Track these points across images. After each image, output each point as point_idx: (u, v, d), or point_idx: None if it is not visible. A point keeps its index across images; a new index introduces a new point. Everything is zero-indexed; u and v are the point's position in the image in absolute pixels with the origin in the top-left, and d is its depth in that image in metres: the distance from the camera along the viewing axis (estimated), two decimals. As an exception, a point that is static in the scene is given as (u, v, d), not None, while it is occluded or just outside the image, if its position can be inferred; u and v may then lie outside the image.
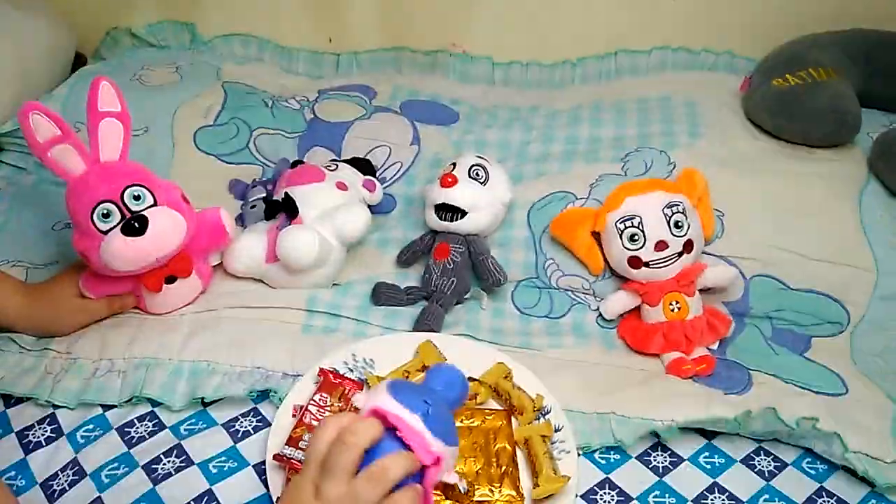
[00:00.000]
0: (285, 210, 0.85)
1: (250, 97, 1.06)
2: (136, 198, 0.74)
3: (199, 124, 1.01)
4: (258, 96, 1.07)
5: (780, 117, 0.94)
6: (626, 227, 0.81)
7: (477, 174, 0.87)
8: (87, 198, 0.73)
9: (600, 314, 0.85)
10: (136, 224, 0.72)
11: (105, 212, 0.72)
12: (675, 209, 0.81)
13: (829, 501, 0.66)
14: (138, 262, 0.74)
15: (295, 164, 0.95)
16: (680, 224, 0.81)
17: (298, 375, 0.73)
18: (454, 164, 0.88)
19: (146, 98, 1.02)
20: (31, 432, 0.68)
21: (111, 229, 0.72)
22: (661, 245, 0.80)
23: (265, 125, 1.02)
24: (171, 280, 0.79)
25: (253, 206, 0.91)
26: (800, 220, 0.87)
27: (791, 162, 0.92)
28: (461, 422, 0.70)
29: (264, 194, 0.92)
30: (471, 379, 0.73)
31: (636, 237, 0.81)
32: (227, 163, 0.99)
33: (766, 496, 0.66)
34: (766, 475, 0.68)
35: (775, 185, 0.90)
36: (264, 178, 0.97)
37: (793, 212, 0.88)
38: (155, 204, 0.75)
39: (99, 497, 0.63)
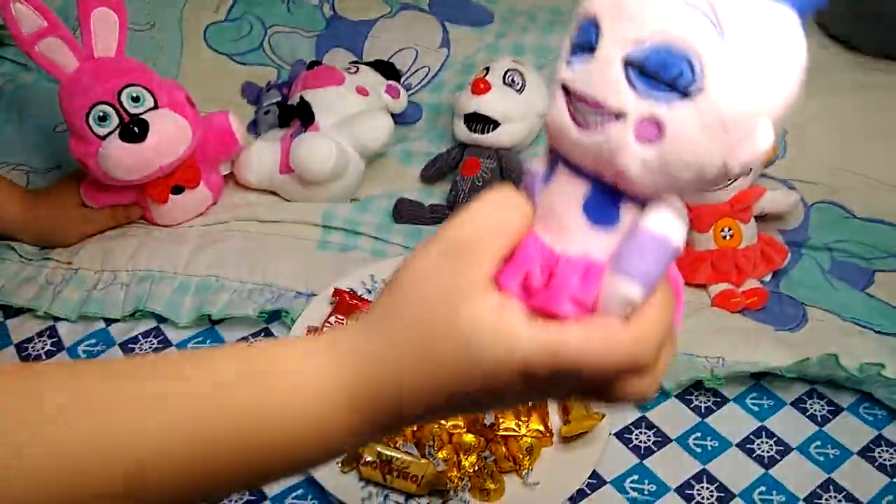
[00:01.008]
0: (300, 116, 0.78)
1: (265, -9, 0.97)
2: (135, 99, 0.67)
3: (210, 20, 0.93)
4: (275, -10, 0.98)
5: (857, 24, 0.83)
6: (677, 144, 0.73)
7: (512, 80, 0.78)
8: (81, 99, 0.66)
9: (642, 239, 0.78)
10: (136, 129, 0.66)
11: (101, 114, 0.66)
12: (734, 124, 0.72)
13: (887, 451, 0.60)
14: (139, 171, 0.68)
15: (312, 65, 0.87)
16: (739, 141, 0.72)
17: (312, 295, 0.68)
18: (487, 69, 0.80)
19: (152, -11, 0.94)
20: (31, 345, 0.65)
21: (109, 134, 0.66)
22: (716, 165, 0.72)
23: (281, 22, 0.94)
24: (178, 190, 0.73)
25: (266, 112, 0.84)
26: (871, 140, 0.78)
27: (867, 75, 0.82)
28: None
29: (279, 99, 0.85)
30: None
31: (688, 155, 0.72)
32: (239, 63, 0.92)
33: (818, 442, 0.60)
34: (819, 420, 0.62)
35: (846, 100, 0.80)
36: (279, 82, 0.90)
37: (863, 131, 0.79)
38: (156, 107, 0.68)
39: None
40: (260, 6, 0.95)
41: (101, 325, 0.66)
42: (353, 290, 0.68)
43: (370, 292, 0.69)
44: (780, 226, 0.77)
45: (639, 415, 0.62)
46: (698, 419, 0.62)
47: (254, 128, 0.85)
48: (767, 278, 0.75)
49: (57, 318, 0.67)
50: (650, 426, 0.61)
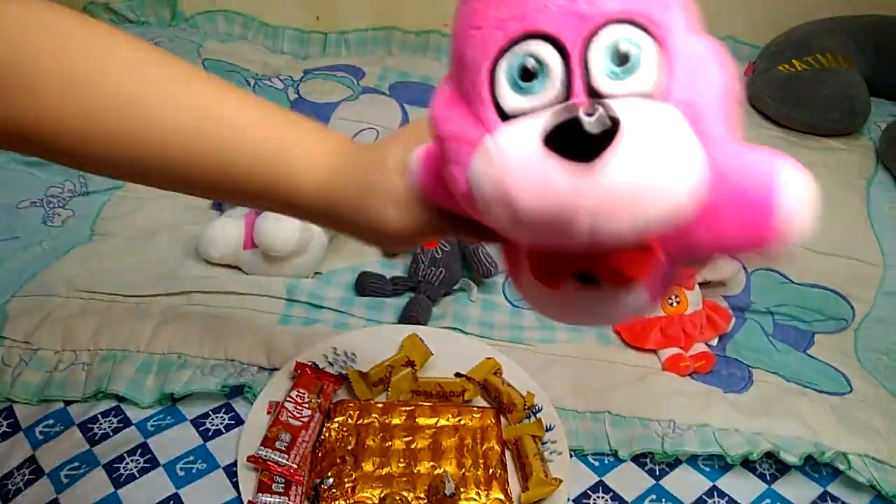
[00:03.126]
0: (264, 194, 0.80)
1: (232, 76, 1.01)
2: (622, 59, 0.27)
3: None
4: (240, 75, 1.02)
5: (785, 104, 0.90)
6: (623, 217, 0.77)
7: (467, 159, 0.82)
8: (488, 36, 0.29)
9: (595, 307, 0.81)
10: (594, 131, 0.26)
11: (526, 67, 0.28)
12: (675, 198, 0.77)
13: (832, 507, 0.62)
14: (560, 230, 0.28)
15: (276, 145, 0.91)
16: (680, 214, 0.77)
17: (275, 370, 0.69)
18: (444, 148, 0.84)
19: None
20: (-13, 427, 0.64)
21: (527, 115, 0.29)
22: (660, 236, 0.76)
23: (246, 105, 0.98)
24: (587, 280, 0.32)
25: (231, 190, 0.86)
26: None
27: (796, 150, 0.89)
28: (447, 420, 0.66)
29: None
30: (458, 375, 0.70)
31: (634, 227, 0.77)
32: (205, 144, 0.94)
33: (768, 500, 0.63)
34: (768, 478, 0.64)
35: (779, 174, 0.86)
36: (244, 161, 0.92)
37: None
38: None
39: (56, 498, 0.58)
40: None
41: (61, 404, 0.66)
42: (314, 363, 0.69)
43: (332, 365, 0.70)
44: (724, 292, 0.81)
45: (596, 479, 0.63)
46: (653, 481, 0.63)
47: (217, 206, 0.87)
48: (714, 342, 0.78)
49: (14, 400, 0.66)
50: (607, 489, 0.62)
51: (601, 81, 0.27)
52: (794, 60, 0.91)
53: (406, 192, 0.39)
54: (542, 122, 0.26)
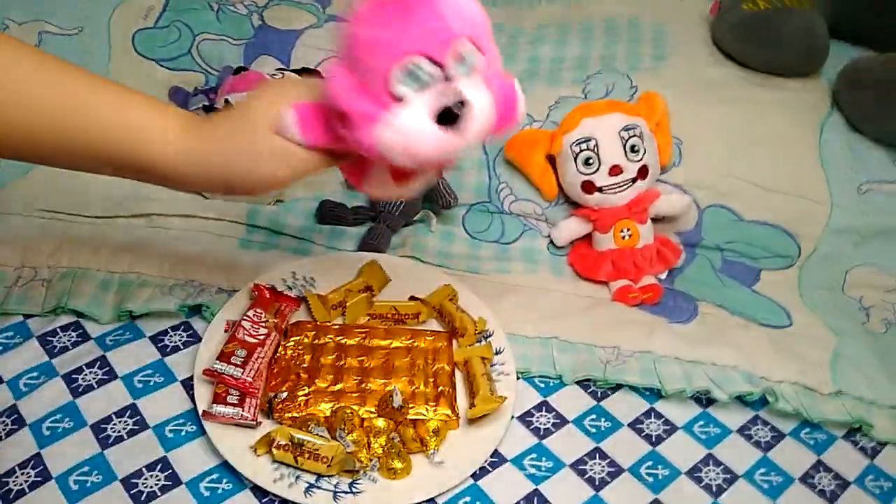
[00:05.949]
0: (225, 119, 0.80)
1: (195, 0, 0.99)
2: (462, 61, 0.46)
3: (139, 26, 0.94)
4: (204, -1, 1.00)
5: (746, 43, 0.91)
6: (581, 150, 0.79)
7: (430, 89, 0.83)
8: (393, 46, 0.45)
9: (552, 241, 0.83)
10: (457, 111, 0.46)
11: (415, 70, 0.45)
12: (631, 132, 0.78)
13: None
14: (435, 164, 0.51)
15: (238, 70, 0.90)
16: (636, 148, 0.78)
17: (234, 291, 0.70)
18: (407, 79, 0.84)
19: (81, -6, 0.95)
20: (-55, 338, 0.65)
21: (410, 98, 0.46)
22: (615, 170, 0.78)
23: (210, 30, 0.96)
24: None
25: (193, 116, 0.86)
26: (758, 149, 0.85)
27: (754, 90, 0.90)
28: (401, 342, 0.68)
29: (206, 103, 0.87)
30: (413, 298, 0.72)
31: (591, 161, 0.78)
32: (167, 69, 0.93)
33: (702, 422, 0.66)
34: (703, 402, 0.68)
35: (736, 112, 0.87)
36: (207, 87, 0.92)
37: (751, 141, 0.85)
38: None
39: (14, 405, 0.60)
40: (189, 14, 0.97)
41: (20, 318, 0.67)
42: (273, 286, 0.70)
43: (291, 289, 0.71)
44: (676, 227, 0.84)
45: (540, 399, 0.66)
46: (594, 402, 0.67)
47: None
48: (663, 276, 0.81)
49: (-27, 313, 0.67)
50: (550, 409, 0.65)
51: (455, 73, 0.46)
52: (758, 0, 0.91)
53: (282, 144, 0.49)
54: (426, 106, 0.46)
